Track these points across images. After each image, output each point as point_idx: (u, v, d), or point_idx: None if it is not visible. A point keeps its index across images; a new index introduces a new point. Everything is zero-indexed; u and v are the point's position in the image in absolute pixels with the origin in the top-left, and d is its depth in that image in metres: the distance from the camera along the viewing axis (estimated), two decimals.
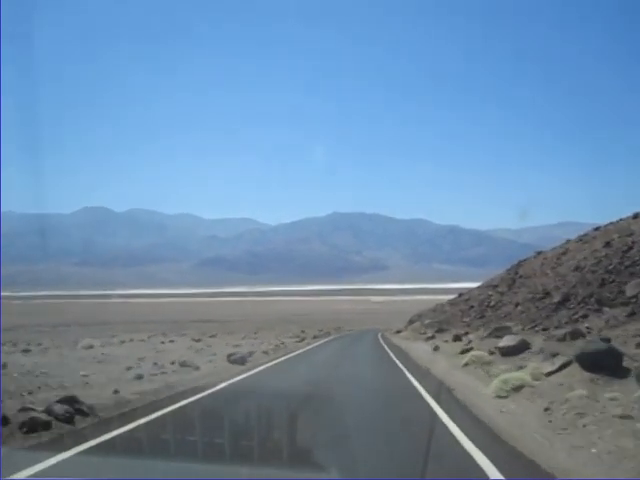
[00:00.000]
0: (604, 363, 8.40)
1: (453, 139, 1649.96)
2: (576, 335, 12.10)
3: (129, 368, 13.86)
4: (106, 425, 6.70)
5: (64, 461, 5.01)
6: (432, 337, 28.60)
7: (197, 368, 14.48)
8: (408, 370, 14.54)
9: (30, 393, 8.75)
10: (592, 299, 17.41)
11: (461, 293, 46.72)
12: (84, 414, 7.14)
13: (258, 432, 5.62)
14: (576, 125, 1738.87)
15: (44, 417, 6.54)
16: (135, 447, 5.61)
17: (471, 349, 16.37)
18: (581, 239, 29.09)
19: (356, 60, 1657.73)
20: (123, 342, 28.80)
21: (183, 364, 14.83)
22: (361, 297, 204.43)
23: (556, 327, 16.11)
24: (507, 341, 13.86)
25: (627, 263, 19.07)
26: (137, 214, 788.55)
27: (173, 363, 15.37)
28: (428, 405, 8.56)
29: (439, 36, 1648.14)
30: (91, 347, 22.14)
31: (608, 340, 9.59)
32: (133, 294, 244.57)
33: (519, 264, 36.53)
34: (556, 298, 19.67)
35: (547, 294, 21.50)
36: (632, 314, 13.02)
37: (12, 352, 19.51)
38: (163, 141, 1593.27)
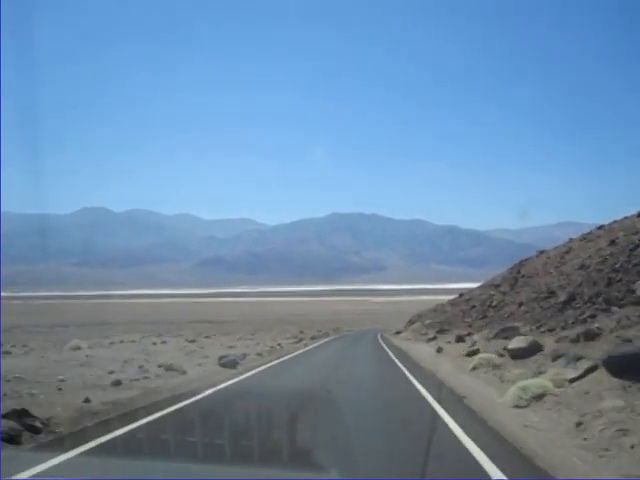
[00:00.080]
0: (637, 368, 7.36)
1: (453, 139, 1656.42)
2: (590, 336, 11.30)
3: (111, 372, 13.10)
4: (58, 444, 5.66)
5: None
6: (434, 338, 27.88)
7: (184, 372, 13.70)
8: (411, 373, 13.74)
9: None
10: (600, 298, 16.85)
11: (462, 293, 45.92)
12: (36, 430, 6.12)
13: (244, 448, 4.78)
14: (576, 125, 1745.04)
15: None
16: (88, 473, 4.59)
17: (477, 351, 15.66)
18: (585, 237, 28.47)
19: (356, 60, 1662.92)
20: (113, 343, 28.00)
21: (169, 368, 14.01)
22: (360, 297, 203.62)
23: (563, 327, 15.55)
24: (517, 342, 13.12)
25: (635, 261, 18.51)
26: (136, 214, 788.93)
27: (160, 366, 14.57)
28: (440, 418, 7.38)
29: (439, 36, 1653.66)
30: (78, 348, 21.39)
31: (629, 341, 8.75)
32: (132, 294, 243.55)
33: (521, 263, 35.83)
34: (561, 298, 18.99)
35: (552, 293, 20.81)
36: None
37: None
38: (163, 141, 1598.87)
